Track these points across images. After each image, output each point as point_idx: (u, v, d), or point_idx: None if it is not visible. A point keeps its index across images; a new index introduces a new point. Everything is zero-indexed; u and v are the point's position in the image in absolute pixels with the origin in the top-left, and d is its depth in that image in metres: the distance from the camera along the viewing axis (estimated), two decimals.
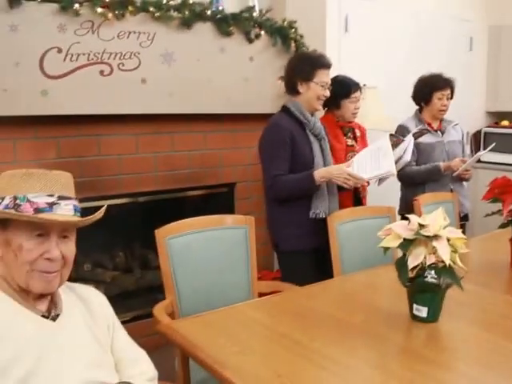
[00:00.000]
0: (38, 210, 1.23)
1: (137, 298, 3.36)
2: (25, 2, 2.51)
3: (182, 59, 3.01)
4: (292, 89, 2.65)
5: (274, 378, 1.47)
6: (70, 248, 1.30)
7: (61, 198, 1.26)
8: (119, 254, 3.56)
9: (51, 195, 1.26)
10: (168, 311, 2.18)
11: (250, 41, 3.27)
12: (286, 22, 3.38)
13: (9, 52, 2.51)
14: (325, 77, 2.61)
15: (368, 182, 3.05)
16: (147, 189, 3.10)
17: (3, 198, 1.25)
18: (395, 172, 2.58)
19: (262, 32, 3.31)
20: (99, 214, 1.35)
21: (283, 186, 2.55)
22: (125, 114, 2.89)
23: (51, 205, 1.24)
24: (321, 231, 2.66)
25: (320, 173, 2.53)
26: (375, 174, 2.55)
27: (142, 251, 3.60)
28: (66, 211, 1.26)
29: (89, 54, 2.71)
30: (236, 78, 3.25)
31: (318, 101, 2.64)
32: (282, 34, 3.38)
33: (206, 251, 2.35)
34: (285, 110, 2.67)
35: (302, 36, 3.44)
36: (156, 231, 2.23)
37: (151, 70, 2.91)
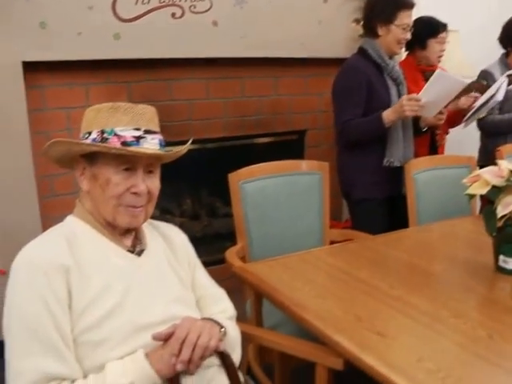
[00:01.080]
0: (125, 144, 1.21)
1: (204, 245, 3.38)
2: None
3: (254, 1, 2.91)
4: (371, 31, 2.52)
5: (355, 321, 1.44)
6: (155, 183, 1.28)
7: (147, 132, 1.24)
8: (186, 201, 3.59)
9: (138, 129, 1.23)
10: (239, 256, 2.17)
11: None
12: None
13: None
14: (407, 18, 2.46)
15: (446, 131, 2.92)
16: (216, 135, 3.08)
17: (90, 133, 1.24)
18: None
19: None
20: (185, 149, 1.32)
21: (353, 129, 2.47)
22: (195, 58, 2.85)
23: (138, 138, 1.22)
24: (394, 179, 2.59)
25: (388, 113, 2.42)
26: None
27: (209, 199, 3.62)
28: (152, 145, 1.24)
29: None
30: (309, 20, 3.12)
31: (398, 44, 2.50)
32: None
33: (278, 197, 2.32)
34: (362, 52, 2.55)
35: None
36: (230, 175, 2.20)
37: (223, 12, 2.83)
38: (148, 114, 1.26)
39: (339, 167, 2.69)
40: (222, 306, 1.43)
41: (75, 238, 1.23)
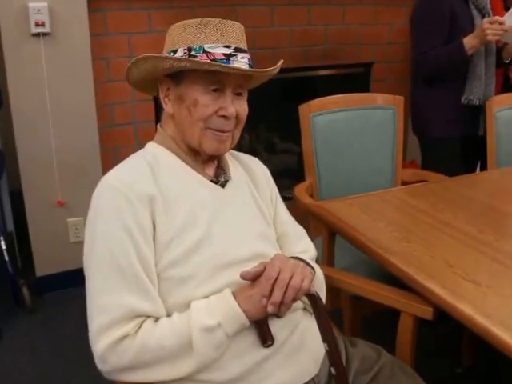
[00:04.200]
0: (215, 61, 1.10)
1: None
2: None
3: None
4: None
5: (446, 267, 1.34)
6: (243, 106, 1.18)
7: (237, 49, 1.13)
8: (244, 135, 3.48)
9: (228, 46, 1.12)
10: (308, 193, 2.08)
11: None
12: None
13: None
14: None
15: None
16: (282, 65, 2.91)
17: (175, 51, 1.13)
18: None
19: None
20: (277, 68, 1.20)
21: (432, 60, 2.29)
22: None
23: (228, 56, 1.11)
24: (472, 118, 2.42)
25: (468, 38, 2.22)
26: None
27: (266, 134, 3.50)
28: (242, 64, 1.12)
29: None
30: None
31: None
32: None
33: (349, 132, 2.20)
34: None
35: None
36: (300, 107, 2.09)
37: None
38: (238, 31, 1.15)
39: (413, 103, 2.53)
40: (303, 246, 1.34)
41: (158, 166, 1.14)
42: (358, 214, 1.66)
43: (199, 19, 1.13)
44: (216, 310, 1.05)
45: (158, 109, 2.68)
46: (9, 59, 2.32)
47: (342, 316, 1.87)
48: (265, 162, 3.46)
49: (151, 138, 2.73)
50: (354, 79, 3.22)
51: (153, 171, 1.13)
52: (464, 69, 2.32)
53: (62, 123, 2.43)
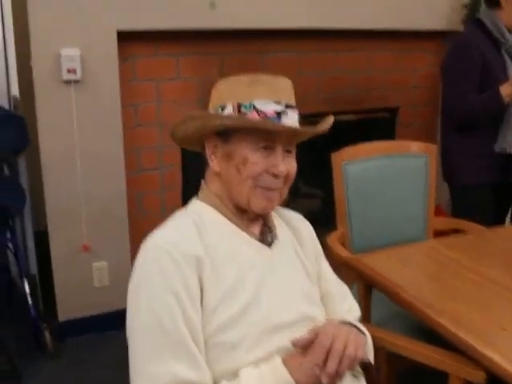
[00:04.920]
0: (266, 119, 1.08)
1: None
2: None
3: None
4: (491, 1, 2.28)
5: (498, 330, 1.28)
6: (292, 164, 1.15)
7: (287, 106, 1.11)
8: None
9: (278, 102, 1.10)
10: (340, 242, 2.04)
11: None
12: None
13: None
14: None
15: None
16: (308, 111, 2.91)
17: (224, 107, 1.11)
18: None
19: None
20: (328, 126, 1.18)
21: (466, 109, 2.27)
22: (289, 30, 2.68)
23: (279, 114, 1.09)
24: (506, 165, 2.38)
25: (505, 87, 2.20)
26: None
27: None
28: (292, 122, 1.11)
29: None
30: None
31: None
32: None
33: (381, 180, 2.17)
34: (478, 23, 2.33)
35: None
36: (332, 155, 2.07)
37: None
38: (288, 87, 1.14)
39: (443, 149, 2.50)
40: (347, 305, 1.30)
41: (204, 225, 1.11)
42: (398, 267, 1.61)
43: (249, 75, 1.11)
44: (267, 378, 1.00)
45: (184, 153, 2.68)
46: (40, 105, 2.33)
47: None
48: (289, 206, 3.42)
49: (177, 183, 2.74)
50: (380, 124, 3.21)
51: (199, 231, 1.09)
52: (497, 116, 2.30)
53: (90, 168, 2.42)
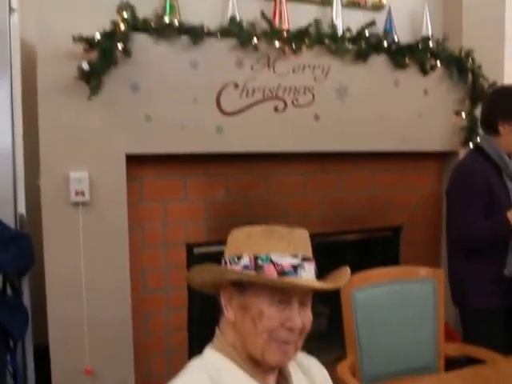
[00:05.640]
0: (282, 273, 1.06)
1: None
2: (206, 38, 2.47)
3: (355, 94, 2.83)
4: (490, 127, 2.35)
5: None
6: (308, 316, 1.13)
7: (304, 259, 1.10)
8: None
9: (295, 256, 1.09)
10: (351, 371, 1.97)
11: (425, 72, 3.02)
12: (463, 52, 3.09)
13: (188, 88, 2.47)
14: None
15: None
16: (312, 231, 2.91)
17: (240, 257, 1.11)
18: None
19: (438, 63, 3.04)
20: (345, 278, 1.16)
21: (474, 235, 2.26)
22: (295, 153, 2.76)
23: (296, 267, 1.08)
24: None
25: None
26: None
27: None
28: (310, 275, 1.09)
29: (264, 90, 2.61)
30: (409, 113, 3.00)
31: None
32: (459, 64, 3.09)
33: (390, 306, 2.18)
34: (479, 150, 2.38)
35: (480, 66, 3.12)
36: None
37: (324, 105, 2.76)
38: (304, 239, 1.14)
39: (451, 274, 2.46)
40: None
41: (219, 378, 1.07)
42: None
43: (265, 226, 1.12)
44: None
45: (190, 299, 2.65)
46: (46, 226, 2.34)
47: None
48: None
49: (182, 304, 2.68)
50: (383, 243, 3.21)
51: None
52: (504, 242, 2.29)
53: (95, 290, 2.38)
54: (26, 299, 2.54)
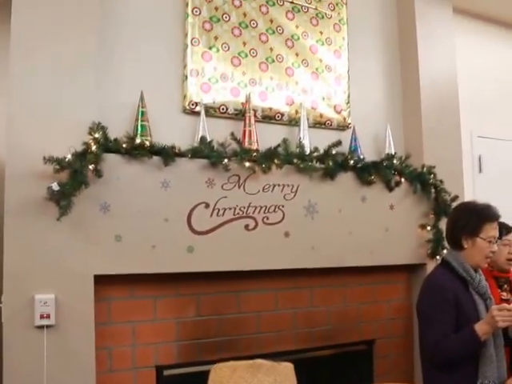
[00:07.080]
0: None
1: None
2: (177, 159, 2.53)
3: (324, 210, 2.90)
4: (454, 243, 2.43)
5: None
6: None
7: None
8: None
9: None
10: None
11: (390, 189, 3.13)
12: (425, 168, 3.24)
13: (159, 208, 2.50)
14: (492, 231, 2.38)
15: None
16: (284, 348, 2.86)
17: None
18: None
19: (402, 179, 3.17)
20: None
21: (445, 349, 2.27)
22: (265, 270, 2.76)
23: None
24: None
25: (480, 325, 2.22)
26: None
27: None
28: None
29: (234, 209, 2.65)
30: (377, 228, 3.08)
31: (484, 258, 2.38)
32: (422, 180, 3.22)
33: None
34: (445, 264, 2.43)
35: (441, 181, 3.26)
36: None
37: (294, 222, 2.81)
38: (290, 373, 1.12)
39: None
40: None
41: None
42: None
43: (251, 362, 1.10)
44: None
45: None
46: (7, 350, 2.24)
47: None
48: None
49: None
50: (357, 357, 3.16)
51: None
52: (475, 353, 2.29)
53: None
54: None
